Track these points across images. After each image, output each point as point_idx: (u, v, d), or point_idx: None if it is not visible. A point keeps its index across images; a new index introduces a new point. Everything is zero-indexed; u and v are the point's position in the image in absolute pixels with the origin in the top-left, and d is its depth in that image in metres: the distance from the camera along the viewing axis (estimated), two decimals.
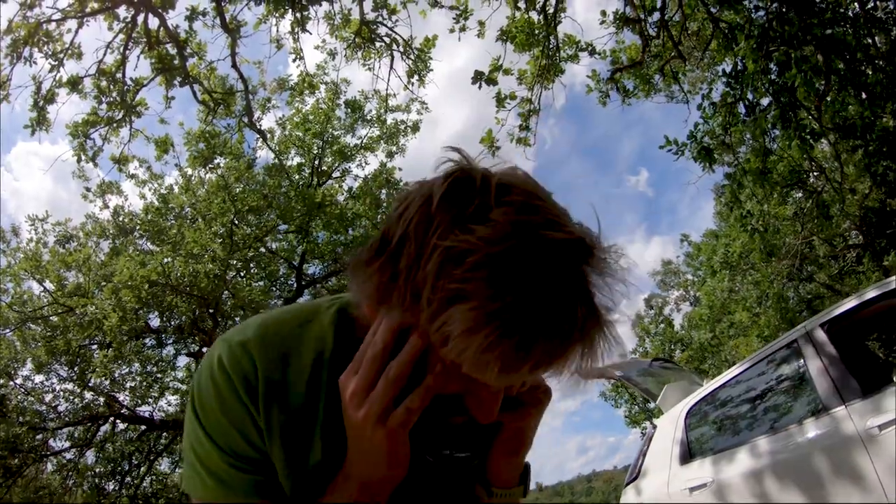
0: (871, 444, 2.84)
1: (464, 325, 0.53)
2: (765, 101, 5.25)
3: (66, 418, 10.44)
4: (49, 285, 10.16)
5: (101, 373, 9.47)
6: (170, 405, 10.73)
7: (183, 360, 12.16)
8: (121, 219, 10.84)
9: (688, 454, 3.81)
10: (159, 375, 10.86)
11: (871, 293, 3.23)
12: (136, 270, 8.59)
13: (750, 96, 5.22)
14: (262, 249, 11.64)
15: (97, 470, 11.14)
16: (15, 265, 10.55)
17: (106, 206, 10.87)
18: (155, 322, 10.48)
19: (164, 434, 11.64)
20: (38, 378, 10.38)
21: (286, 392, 0.71)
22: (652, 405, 4.93)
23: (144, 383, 10.30)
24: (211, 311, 9.69)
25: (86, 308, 9.17)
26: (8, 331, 10.24)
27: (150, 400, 10.60)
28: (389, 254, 0.60)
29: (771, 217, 7.40)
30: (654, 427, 4.27)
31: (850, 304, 3.40)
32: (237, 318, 10.96)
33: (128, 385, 10.18)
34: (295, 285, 13.48)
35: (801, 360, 3.37)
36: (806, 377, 3.31)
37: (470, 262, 0.54)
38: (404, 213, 0.61)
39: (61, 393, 10.57)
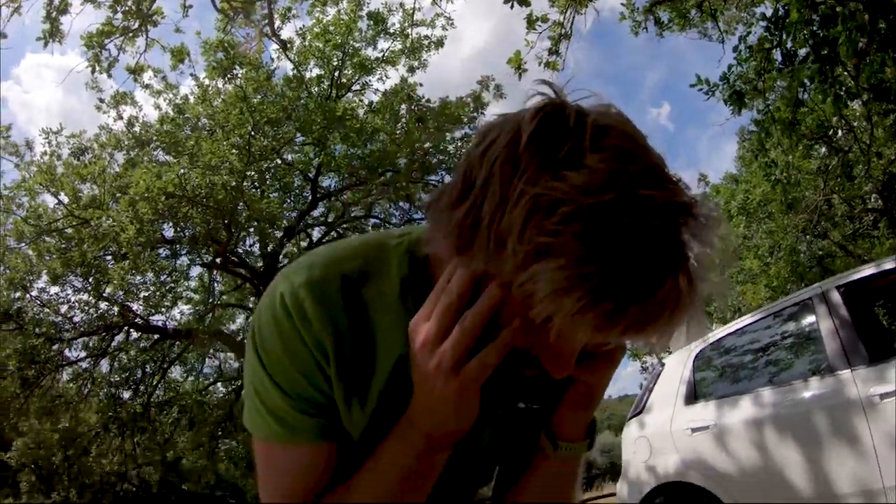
0: (870, 411, 2.96)
1: (552, 286, 0.49)
2: (802, 52, 5.08)
3: (82, 328, 10.70)
4: (64, 198, 10.19)
5: (117, 284, 9.67)
6: (182, 314, 10.99)
7: (196, 271, 12.45)
8: (135, 129, 10.75)
9: (693, 395, 3.93)
10: (172, 285, 11.05)
11: (888, 264, 3.28)
12: (152, 182, 8.58)
13: (789, 45, 5.04)
14: (279, 161, 11.59)
15: (112, 379, 11.63)
16: (29, 179, 10.54)
17: (120, 117, 10.76)
18: (169, 233, 10.60)
19: (177, 343, 12.07)
20: (54, 290, 10.60)
21: (353, 337, 0.68)
22: None
23: (158, 293, 10.45)
24: (226, 222, 9.78)
25: (101, 220, 9.25)
26: (23, 244, 10.35)
27: (163, 309, 10.86)
28: (470, 201, 0.54)
29: (794, 169, 7.29)
30: (662, 365, 4.38)
31: (867, 271, 3.45)
32: (251, 229, 11.08)
33: (141, 295, 10.37)
34: (310, 197, 13.58)
35: (814, 319, 3.45)
36: (816, 336, 3.40)
37: (562, 213, 0.49)
38: (488, 150, 0.55)
39: (76, 304, 10.83)
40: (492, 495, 0.84)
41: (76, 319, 10.81)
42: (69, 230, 9.95)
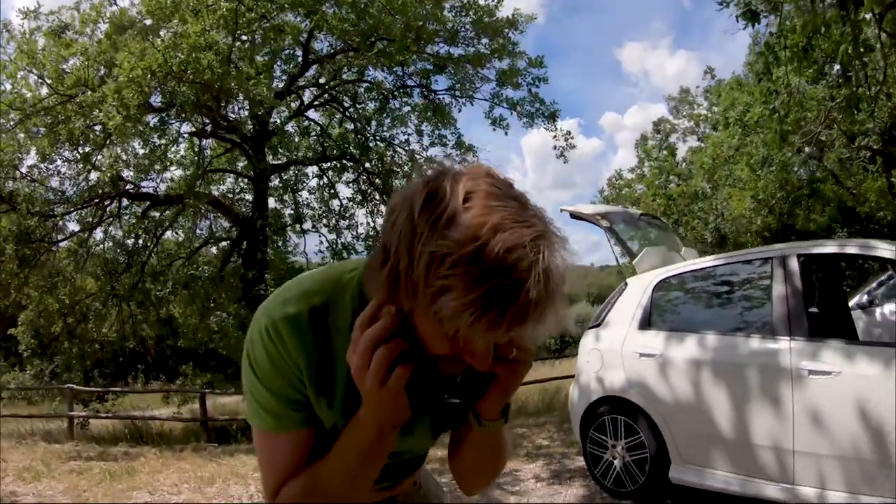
0: (797, 383, 3.15)
1: (451, 312, 0.71)
2: None
3: (74, 201, 10.75)
4: (47, 78, 9.80)
5: (107, 156, 9.54)
6: (172, 180, 10.89)
7: (185, 137, 12.16)
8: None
9: (647, 322, 4.11)
10: (163, 150, 10.89)
11: (851, 248, 3.31)
12: (136, 63, 8.19)
13: None
14: (268, 25, 10.91)
15: (106, 246, 11.82)
16: (9, 61, 10.06)
17: None
18: (157, 100, 10.23)
19: (168, 209, 12.14)
20: (44, 165, 10.55)
21: (319, 356, 0.94)
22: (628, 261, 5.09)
23: (147, 160, 10.29)
24: (215, 95, 9.45)
25: (87, 96, 8.93)
26: (10, 125, 10.08)
27: (153, 174, 10.80)
28: (390, 263, 0.77)
29: (798, 94, 6.94)
30: (626, 285, 4.48)
31: (830, 248, 3.48)
32: (241, 96, 10.71)
33: (132, 162, 10.22)
34: (301, 61, 13.03)
35: (769, 281, 3.54)
36: (767, 297, 3.52)
37: (449, 262, 0.71)
38: (394, 224, 0.78)
39: (67, 175, 10.80)
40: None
41: (69, 193, 10.83)
42: (57, 107, 9.63)
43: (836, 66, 6.96)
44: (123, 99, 8.41)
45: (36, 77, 9.93)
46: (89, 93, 9.18)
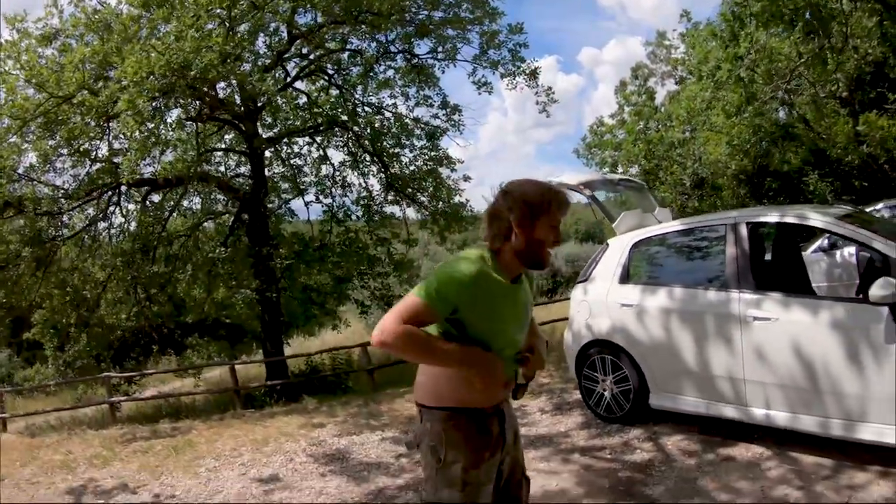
0: (745, 327, 3.93)
1: (552, 213, 1.95)
2: None
3: (75, 195, 11.02)
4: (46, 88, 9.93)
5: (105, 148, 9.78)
6: (170, 163, 10.97)
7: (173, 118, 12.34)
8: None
9: (626, 277, 4.86)
10: (157, 130, 11.12)
11: (790, 217, 4.03)
12: (140, 68, 8.52)
13: None
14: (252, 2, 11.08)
15: (112, 234, 12.20)
16: (5, 71, 10.17)
17: None
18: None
19: (168, 192, 12.51)
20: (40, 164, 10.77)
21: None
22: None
23: (144, 145, 10.44)
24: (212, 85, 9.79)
25: (87, 97, 9.20)
26: (11, 136, 10.29)
27: (152, 158, 11.06)
28: (498, 223, 1.96)
29: (768, 52, 7.37)
30: (607, 246, 5.17)
31: (773, 217, 4.21)
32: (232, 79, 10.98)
33: (130, 150, 10.42)
34: (286, 36, 13.24)
35: (723, 244, 4.28)
36: (723, 257, 4.25)
37: (543, 202, 1.94)
38: (504, 210, 1.94)
39: (64, 169, 11.05)
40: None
41: (68, 187, 11.12)
42: (54, 109, 9.88)
43: (801, 23, 7.41)
44: (138, 108, 8.77)
45: (34, 85, 10.07)
46: (87, 94, 9.44)
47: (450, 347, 1.87)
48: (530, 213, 1.91)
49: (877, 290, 3.28)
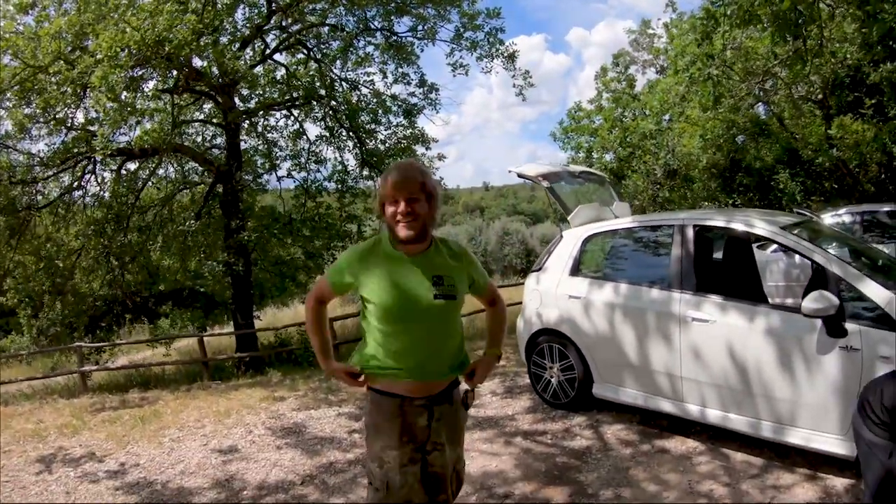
0: (683, 326, 4.10)
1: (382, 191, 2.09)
2: None
3: (49, 163, 10.89)
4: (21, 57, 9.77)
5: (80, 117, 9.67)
6: (147, 134, 11.00)
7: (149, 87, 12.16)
8: None
9: (576, 269, 5.02)
10: (133, 100, 10.97)
11: (737, 224, 4.19)
12: (114, 42, 8.39)
13: None
14: None
15: (85, 202, 12.02)
16: None
17: None
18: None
19: (144, 162, 12.39)
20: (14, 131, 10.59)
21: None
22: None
23: (119, 115, 10.34)
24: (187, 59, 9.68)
25: (62, 66, 9.03)
26: None
27: (126, 126, 10.91)
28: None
29: (744, 51, 7.40)
30: (562, 237, 5.30)
31: (720, 221, 4.36)
32: (210, 55, 10.86)
33: (104, 121, 10.33)
34: (265, 9, 13.07)
35: (671, 244, 4.44)
36: (668, 257, 4.40)
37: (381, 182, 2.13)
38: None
39: (39, 137, 10.85)
40: None
41: (42, 156, 10.95)
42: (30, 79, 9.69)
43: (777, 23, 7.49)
44: (111, 84, 8.67)
45: (10, 54, 9.89)
46: (63, 64, 9.31)
47: (317, 342, 2.35)
48: (380, 193, 2.11)
49: (810, 303, 3.35)
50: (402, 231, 2.02)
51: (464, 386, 2.33)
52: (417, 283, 2.06)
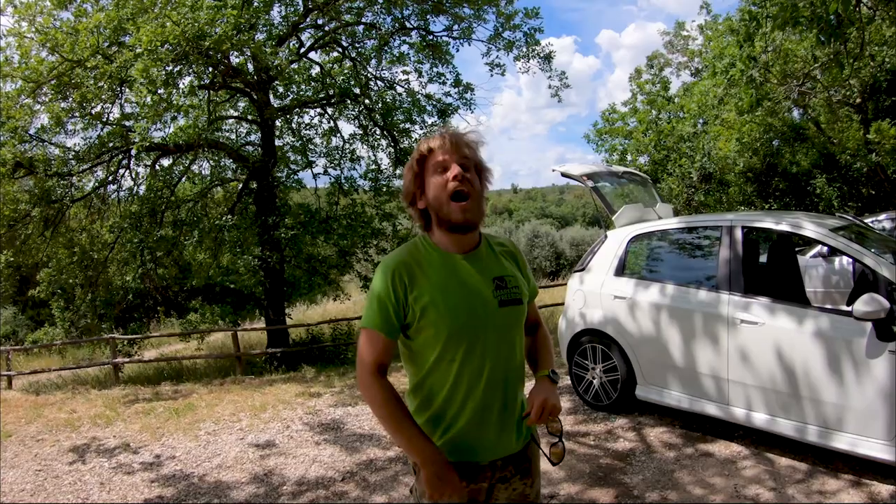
0: (731, 328, 4.03)
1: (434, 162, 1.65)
2: None
3: (85, 157, 11.12)
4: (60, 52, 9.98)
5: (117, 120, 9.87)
6: (181, 130, 11.03)
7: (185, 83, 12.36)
8: None
9: (621, 270, 4.98)
10: (173, 97, 11.16)
11: (784, 226, 4.11)
12: (155, 37, 8.56)
13: None
14: None
15: (120, 196, 12.25)
16: (20, 34, 10.18)
17: None
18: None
19: (179, 157, 12.57)
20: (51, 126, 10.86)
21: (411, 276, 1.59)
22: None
23: (155, 111, 10.50)
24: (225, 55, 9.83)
25: (100, 61, 9.21)
26: (24, 98, 10.34)
27: (161, 122, 11.06)
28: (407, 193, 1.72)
29: (783, 54, 7.25)
30: (606, 237, 5.27)
31: (768, 223, 4.27)
32: (246, 50, 11.02)
33: (140, 115, 10.50)
34: (301, 7, 13.21)
35: (718, 245, 4.38)
36: (716, 258, 4.34)
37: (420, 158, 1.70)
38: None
39: (80, 132, 11.10)
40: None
41: (78, 149, 11.19)
42: (68, 73, 9.90)
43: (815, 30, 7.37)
44: (151, 77, 8.84)
45: (48, 48, 10.12)
46: (101, 59, 9.51)
47: (411, 435, 1.55)
48: (419, 167, 1.65)
49: (861, 305, 3.32)
50: (457, 213, 1.57)
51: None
52: (476, 283, 1.61)
